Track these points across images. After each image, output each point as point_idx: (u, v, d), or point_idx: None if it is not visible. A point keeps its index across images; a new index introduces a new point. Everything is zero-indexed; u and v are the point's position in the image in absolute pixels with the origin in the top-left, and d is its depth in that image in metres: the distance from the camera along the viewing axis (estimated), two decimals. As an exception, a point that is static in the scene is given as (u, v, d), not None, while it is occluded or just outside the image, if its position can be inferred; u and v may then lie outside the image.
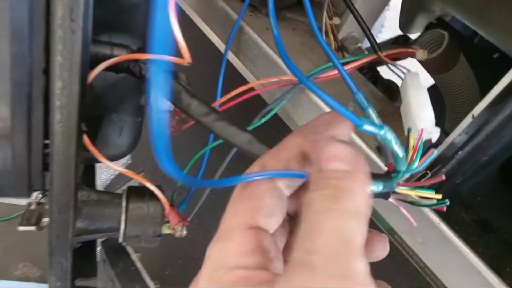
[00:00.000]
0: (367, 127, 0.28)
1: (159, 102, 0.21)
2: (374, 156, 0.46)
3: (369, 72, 0.80)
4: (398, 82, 0.88)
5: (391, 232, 0.53)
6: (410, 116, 0.34)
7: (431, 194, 0.30)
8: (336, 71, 0.48)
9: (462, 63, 0.53)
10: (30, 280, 1.23)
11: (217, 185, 0.25)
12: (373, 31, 1.14)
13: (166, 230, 0.44)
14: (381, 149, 0.32)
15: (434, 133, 0.33)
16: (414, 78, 0.37)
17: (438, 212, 0.44)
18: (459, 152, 0.40)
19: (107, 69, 0.38)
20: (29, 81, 0.31)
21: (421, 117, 0.33)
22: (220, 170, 0.51)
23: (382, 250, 0.26)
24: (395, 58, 0.54)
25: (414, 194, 0.31)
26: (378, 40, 0.52)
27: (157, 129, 0.20)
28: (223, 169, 0.51)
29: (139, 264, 0.58)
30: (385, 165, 0.47)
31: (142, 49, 0.39)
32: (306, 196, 0.21)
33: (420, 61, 0.51)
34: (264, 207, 0.23)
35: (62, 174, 0.32)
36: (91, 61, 0.37)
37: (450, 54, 0.51)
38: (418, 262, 0.53)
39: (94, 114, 0.50)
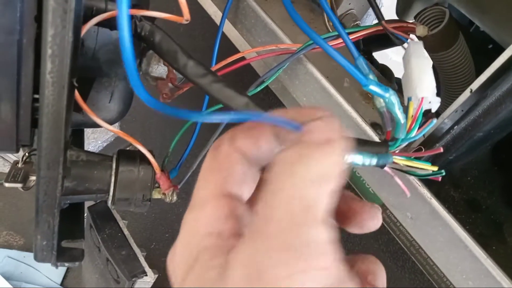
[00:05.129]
0: (373, 88, 0.27)
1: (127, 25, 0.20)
2: (369, 130, 0.46)
3: (365, 55, 0.80)
4: (392, 67, 0.88)
5: (381, 208, 0.53)
6: (411, 85, 0.33)
7: (427, 165, 0.30)
8: (334, 42, 0.47)
9: (461, 42, 0.53)
10: (13, 248, 1.22)
11: (198, 119, 0.25)
12: (369, 18, 1.13)
13: (156, 195, 0.43)
14: (380, 115, 0.31)
15: (434, 103, 0.33)
16: (417, 46, 0.36)
17: (429, 188, 0.44)
18: (455, 127, 0.40)
19: (101, 24, 0.36)
20: (20, 28, 0.30)
21: (422, 86, 0.32)
22: (212, 139, 0.51)
23: (373, 221, 0.25)
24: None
25: (410, 164, 0.31)
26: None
27: (127, 52, 0.19)
28: (215, 137, 0.51)
29: (126, 231, 0.57)
30: (380, 139, 0.47)
31: (138, 6, 0.38)
32: (275, 156, 0.20)
33: (419, 38, 0.51)
34: (235, 175, 0.23)
35: (51, 127, 0.31)
36: (84, 15, 0.36)
37: (450, 31, 0.50)
38: (404, 241, 0.53)
39: (84, 75, 0.48)
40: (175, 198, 0.44)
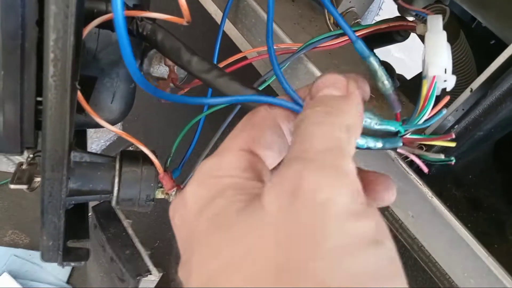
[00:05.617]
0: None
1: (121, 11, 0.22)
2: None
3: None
4: (394, 64, 0.88)
5: (381, 208, 0.53)
6: (424, 63, 0.32)
7: (446, 142, 0.28)
8: (335, 41, 0.47)
9: (462, 40, 0.53)
10: (19, 246, 1.23)
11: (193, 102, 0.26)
12: (371, 14, 1.13)
13: (159, 195, 0.44)
14: (386, 98, 0.30)
15: (449, 81, 0.31)
16: (433, 21, 0.35)
17: (431, 187, 0.44)
18: (455, 126, 0.40)
19: (103, 26, 0.37)
20: (22, 33, 0.30)
21: (434, 63, 0.30)
22: (215, 138, 0.51)
23: (388, 192, 0.25)
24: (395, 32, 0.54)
25: (428, 142, 0.29)
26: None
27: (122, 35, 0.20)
28: (218, 137, 0.51)
29: (130, 230, 0.58)
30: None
31: (139, 6, 0.38)
32: (299, 116, 0.22)
33: (420, 36, 0.51)
34: (263, 138, 0.23)
35: (55, 130, 0.31)
36: (85, 17, 0.36)
37: (451, 29, 0.50)
38: (406, 239, 0.53)
39: (86, 76, 0.49)
40: (177, 198, 0.44)
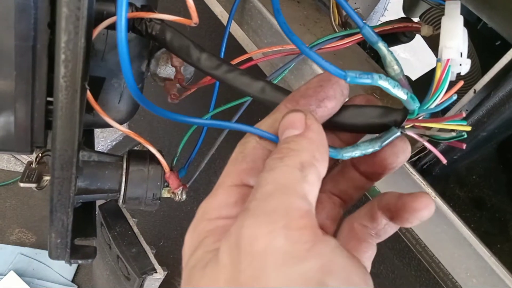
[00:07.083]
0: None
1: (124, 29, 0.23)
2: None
3: (371, 53, 0.80)
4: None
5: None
6: (439, 47, 0.32)
7: (460, 126, 0.28)
8: (340, 42, 0.47)
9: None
10: (25, 245, 1.24)
11: (183, 121, 0.26)
12: (376, 15, 1.13)
13: (166, 194, 0.45)
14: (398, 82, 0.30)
15: (464, 64, 0.31)
16: (451, 6, 0.35)
17: (434, 187, 0.44)
18: (459, 127, 0.40)
19: (110, 27, 0.37)
20: (34, 35, 0.31)
21: (448, 47, 0.30)
22: (220, 138, 0.52)
23: (428, 209, 0.26)
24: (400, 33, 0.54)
25: (441, 126, 0.28)
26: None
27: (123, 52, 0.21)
28: (223, 137, 0.52)
29: (135, 229, 0.59)
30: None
31: (147, 7, 0.38)
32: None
33: (424, 37, 0.51)
34: (254, 170, 0.23)
35: (65, 129, 0.32)
36: (94, 19, 0.37)
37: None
38: (410, 239, 0.54)
39: (94, 77, 0.50)
40: (184, 197, 0.45)
